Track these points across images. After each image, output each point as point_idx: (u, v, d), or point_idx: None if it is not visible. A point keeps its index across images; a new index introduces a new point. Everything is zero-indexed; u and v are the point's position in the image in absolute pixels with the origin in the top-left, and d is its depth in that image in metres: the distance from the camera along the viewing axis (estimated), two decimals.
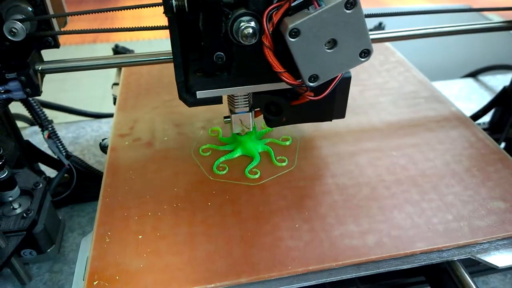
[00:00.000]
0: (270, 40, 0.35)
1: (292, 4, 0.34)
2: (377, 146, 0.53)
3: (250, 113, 0.46)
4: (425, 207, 0.44)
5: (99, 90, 1.25)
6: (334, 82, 0.39)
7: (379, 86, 0.65)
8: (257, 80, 0.41)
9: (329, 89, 0.39)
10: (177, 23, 0.38)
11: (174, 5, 0.37)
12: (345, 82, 0.44)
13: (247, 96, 0.45)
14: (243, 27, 0.36)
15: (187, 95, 0.41)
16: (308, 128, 0.56)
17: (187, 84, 0.41)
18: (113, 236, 0.42)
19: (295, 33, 0.34)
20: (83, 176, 0.63)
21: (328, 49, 0.35)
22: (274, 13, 0.35)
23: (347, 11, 0.33)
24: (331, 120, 0.48)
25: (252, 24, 0.36)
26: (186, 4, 0.37)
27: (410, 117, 0.58)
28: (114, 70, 0.75)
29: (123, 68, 0.70)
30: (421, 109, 0.59)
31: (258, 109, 0.46)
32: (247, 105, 0.46)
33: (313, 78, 0.36)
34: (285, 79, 0.36)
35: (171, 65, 0.69)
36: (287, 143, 0.53)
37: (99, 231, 0.42)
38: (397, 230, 0.42)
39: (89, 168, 0.64)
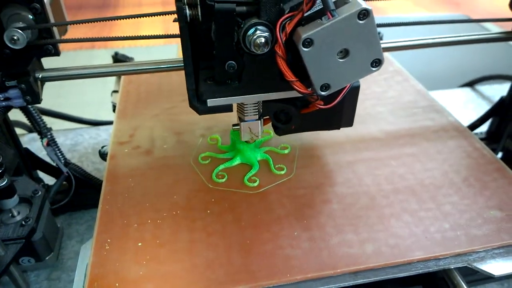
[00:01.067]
0: (283, 50, 0.36)
1: (305, 14, 0.35)
2: (376, 155, 0.53)
3: (259, 121, 0.47)
4: (422, 216, 0.45)
5: (97, 96, 1.26)
6: (344, 91, 0.39)
7: (378, 96, 0.66)
8: (267, 88, 0.42)
9: (339, 98, 0.40)
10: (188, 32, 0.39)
11: (188, 14, 0.37)
12: (354, 91, 0.45)
13: (256, 104, 0.46)
14: (255, 37, 0.36)
15: (197, 103, 0.42)
16: (306, 136, 0.57)
17: (197, 92, 0.41)
18: (112, 243, 0.42)
19: (308, 43, 0.34)
20: (82, 183, 0.63)
21: (340, 58, 0.36)
22: (287, 23, 0.35)
23: (360, 22, 0.34)
24: (339, 128, 0.49)
25: (265, 33, 0.36)
26: (199, 14, 0.38)
27: (408, 127, 0.59)
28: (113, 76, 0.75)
29: (122, 76, 0.70)
30: (419, 119, 0.60)
31: (267, 117, 0.47)
32: (257, 113, 0.46)
33: (325, 87, 0.37)
34: (297, 88, 0.37)
35: (171, 73, 0.69)
36: (286, 151, 0.54)
37: (99, 239, 0.43)
38: (395, 238, 0.43)
39: (88, 175, 0.64)
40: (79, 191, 0.62)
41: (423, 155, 0.53)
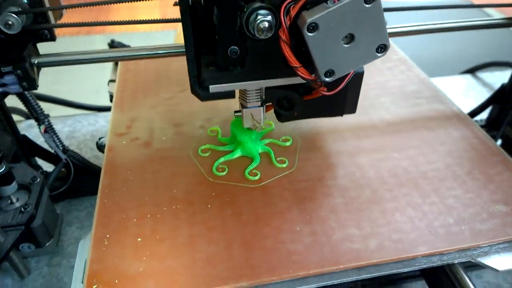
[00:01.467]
0: (287, 34, 0.35)
1: None
2: (379, 147, 0.52)
3: (262, 107, 0.46)
4: (426, 210, 0.44)
5: (95, 82, 1.24)
6: (348, 77, 0.39)
7: (381, 85, 0.64)
8: (270, 74, 0.41)
9: (342, 84, 0.39)
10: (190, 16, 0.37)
11: None
12: (358, 77, 0.44)
13: (259, 91, 0.45)
14: (258, 21, 0.35)
15: (199, 89, 0.41)
16: (308, 128, 0.56)
17: (199, 78, 0.41)
18: (111, 238, 0.42)
19: (313, 27, 0.33)
20: (80, 170, 0.63)
21: (345, 44, 0.35)
22: (292, 6, 0.34)
23: (367, 5, 0.33)
24: (342, 115, 0.48)
25: (268, 17, 0.35)
26: None
27: (412, 118, 0.57)
28: (109, 64, 0.74)
29: (119, 65, 0.69)
30: (422, 109, 0.59)
31: (270, 103, 0.46)
32: (259, 99, 0.45)
33: (329, 73, 0.36)
34: (301, 74, 0.36)
35: (170, 61, 0.68)
36: (287, 143, 0.53)
37: (98, 234, 0.42)
38: (398, 233, 0.42)
39: (86, 162, 0.64)
40: (78, 178, 0.63)
41: (427, 147, 0.52)
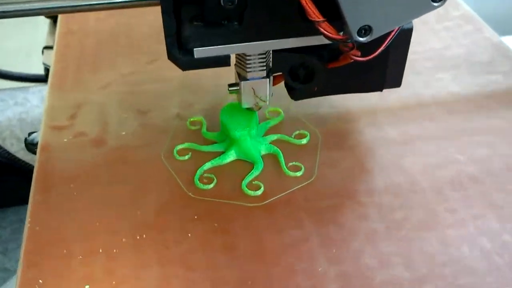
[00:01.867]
0: None
1: None
2: (435, 146, 0.52)
3: (268, 79, 0.46)
4: (508, 241, 0.43)
5: (22, 45, 1.24)
6: (390, 36, 0.38)
7: (437, 54, 0.64)
8: (280, 32, 0.41)
9: (383, 46, 0.38)
10: None
11: None
12: (405, 36, 0.44)
13: (264, 56, 0.45)
14: None
15: (180, 53, 0.41)
16: (333, 114, 0.55)
17: (179, 38, 0.41)
18: (46, 284, 0.40)
19: None
20: (4, 169, 0.65)
21: None
22: None
23: None
24: (381, 90, 0.49)
25: None
26: None
27: (482, 103, 0.57)
28: (45, 22, 0.73)
29: (58, 23, 0.68)
30: (497, 91, 0.58)
31: (279, 74, 0.46)
32: (264, 68, 0.45)
33: (364, 30, 0.36)
34: (324, 32, 0.36)
35: (132, 18, 0.66)
36: (303, 141, 0.52)
37: (25, 278, 0.41)
38: (468, 276, 0.40)
39: (12, 158, 0.66)
40: (1, 180, 0.64)
41: (504, 145, 0.51)
